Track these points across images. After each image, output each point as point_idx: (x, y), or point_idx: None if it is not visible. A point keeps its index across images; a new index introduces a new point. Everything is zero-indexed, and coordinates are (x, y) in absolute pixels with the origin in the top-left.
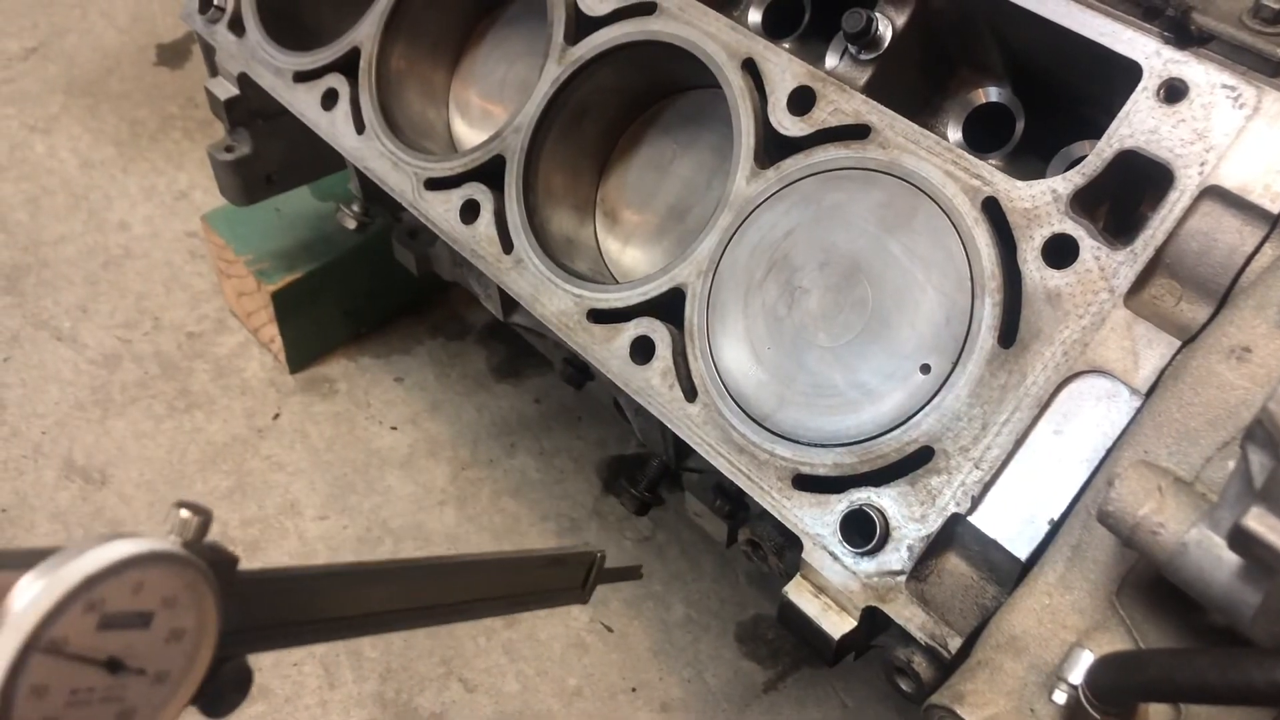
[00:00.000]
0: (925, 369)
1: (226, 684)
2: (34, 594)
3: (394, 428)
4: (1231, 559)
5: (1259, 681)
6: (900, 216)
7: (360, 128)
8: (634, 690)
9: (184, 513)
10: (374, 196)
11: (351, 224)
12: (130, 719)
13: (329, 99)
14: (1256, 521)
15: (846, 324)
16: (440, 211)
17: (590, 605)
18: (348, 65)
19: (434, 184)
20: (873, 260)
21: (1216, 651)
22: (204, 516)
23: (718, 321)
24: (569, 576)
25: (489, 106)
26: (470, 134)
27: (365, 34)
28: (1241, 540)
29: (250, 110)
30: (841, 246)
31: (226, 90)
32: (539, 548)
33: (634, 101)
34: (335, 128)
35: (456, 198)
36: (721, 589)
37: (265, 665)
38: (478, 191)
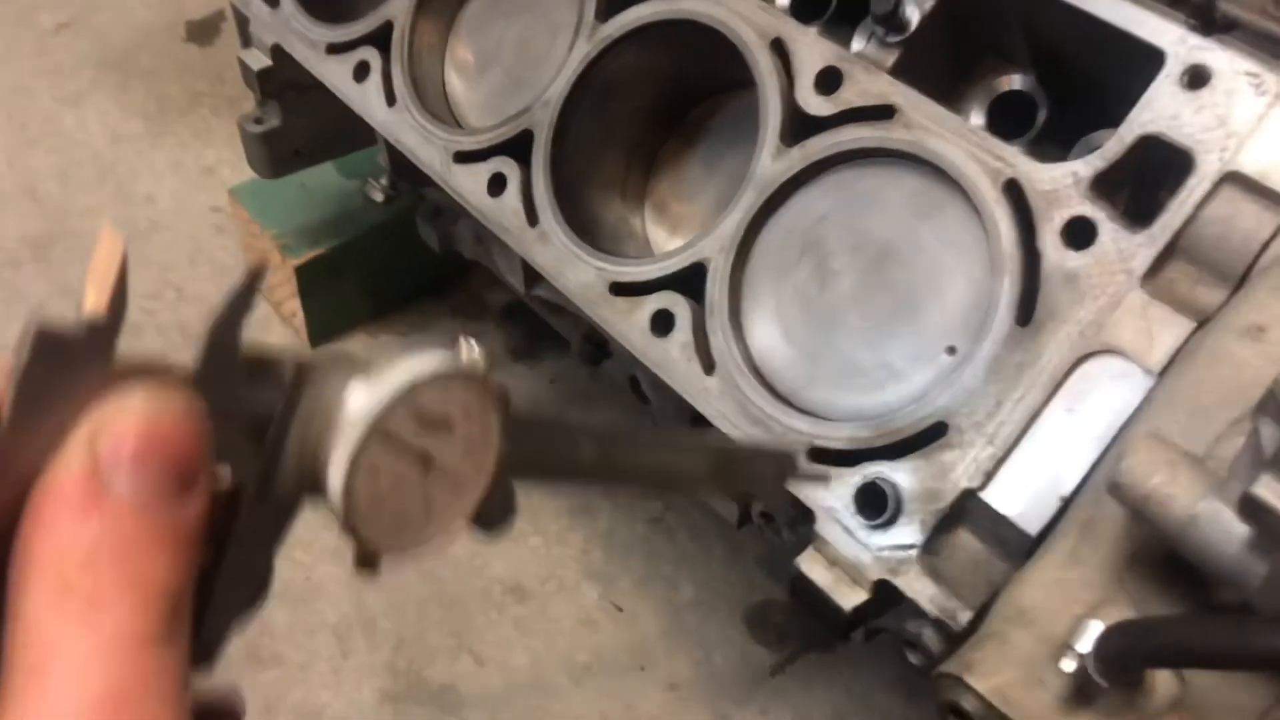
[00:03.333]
0: (951, 350)
1: (499, 504)
2: (369, 394)
3: None
4: (1241, 530)
5: (1275, 647)
6: (933, 204)
7: (391, 100)
8: (642, 669)
9: (475, 343)
10: (401, 171)
11: (379, 196)
12: (431, 514)
13: (361, 71)
14: (1266, 489)
15: (877, 306)
16: (469, 185)
17: (599, 583)
18: (380, 38)
19: (463, 157)
20: (904, 246)
21: (1227, 618)
22: (489, 351)
23: (751, 301)
24: (768, 467)
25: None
26: (466, 92)
27: (399, 7)
28: (1251, 508)
29: (282, 82)
30: (874, 232)
31: (259, 61)
32: (743, 442)
33: (668, 86)
34: (367, 100)
35: (484, 171)
36: (730, 572)
37: (279, 634)
38: (505, 165)
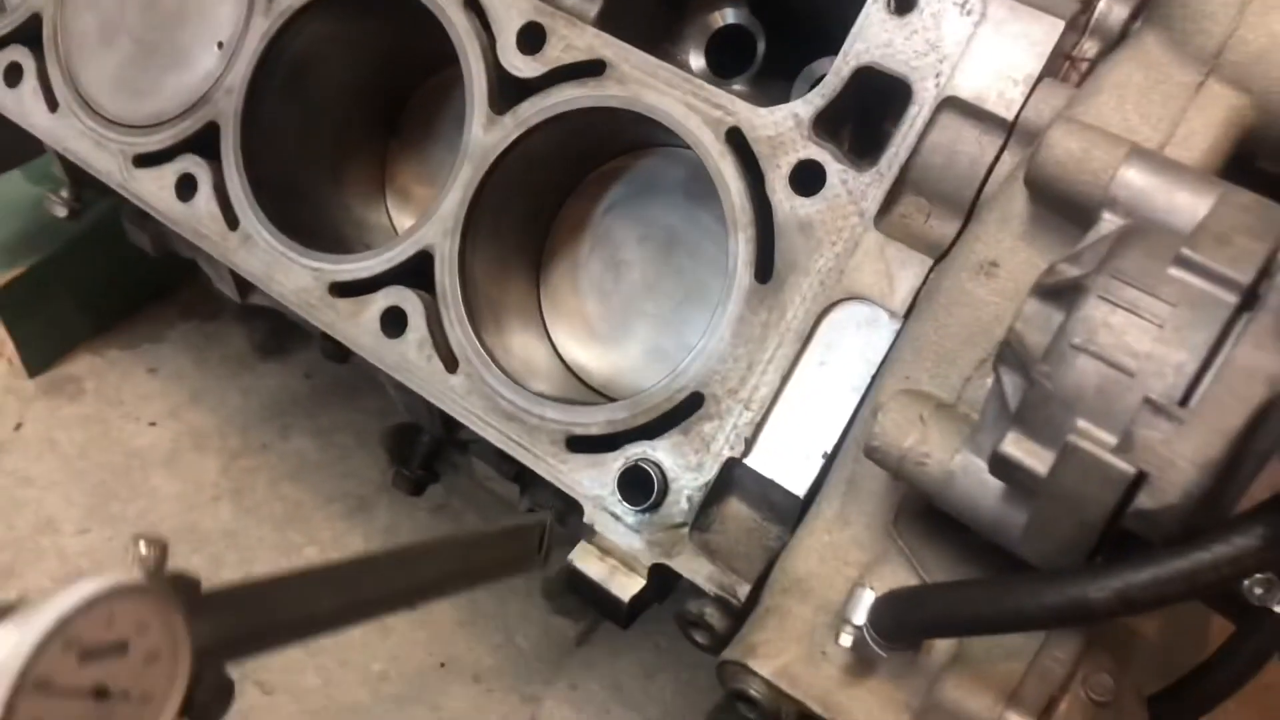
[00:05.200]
0: None
1: (209, 695)
2: (14, 641)
3: (152, 423)
4: (996, 483)
5: (1030, 608)
6: (705, 186)
7: (53, 105)
8: (443, 665)
9: (141, 545)
10: (81, 179)
11: (62, 212)
12: None
13: (12, 75)
14: (1013, 446)
15: (669, 292)
16: (153, 190)
17: None
18: (30, 35)
19: (144, 160)
20: (686, 230)
21: (988, 583)
22: (160, 545)
23: (551, 300)
24: (525, 545)
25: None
26: (91, 69)
27: None
28: (1001, 466)
29: None
30: (658, 219)
31: None
32: (492, 525)
33: (379, 60)
34: (24, 106)
35: (170, 173)
36: None
37: None
38: (193, 164)
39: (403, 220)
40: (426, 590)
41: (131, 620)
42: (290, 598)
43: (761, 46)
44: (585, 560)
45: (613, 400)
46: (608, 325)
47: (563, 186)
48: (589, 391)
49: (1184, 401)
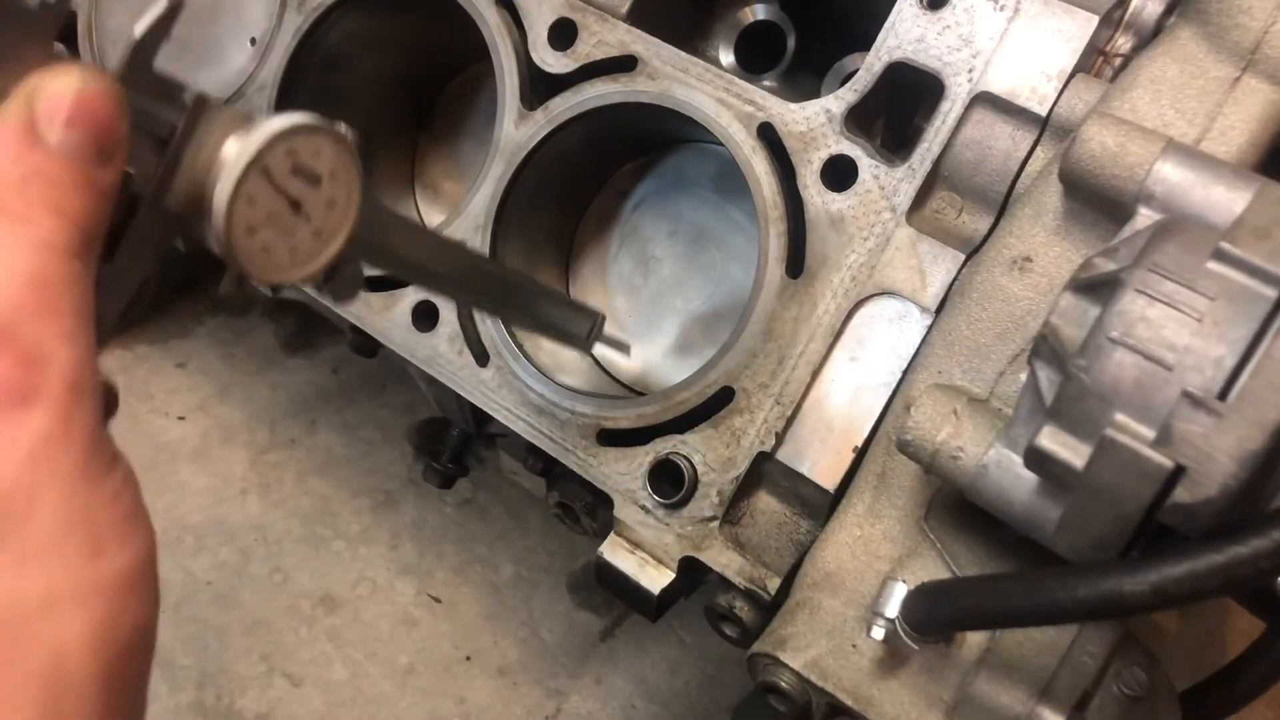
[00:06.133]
0: None
1: (346, 277)
2: (261, 129)
3: (181, 418)
4: (1030, 477)
5: (1064, 601)
6: (735, 182)
7: None
8: (469, 659)
9: (342, 126)
10: None
11: None
12: (295, 255)
13: None
14: (1049, 440)
15: (699, 288)
16: None
17: (414, 578)
18: (65, 31)
19: None
20: (716, 225)
21: (1022, 575)
22: (358, 134)
23: (580, 295)
24: (577, 321)
25: None
26: None
27: None
28: (1037, 460)
29: None
30: (687, 215)
31: None
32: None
33: (410, 56)
34: None
35: None
36: (549, 542)
37: None
38: None
39: (432, 216)
40: (496, 301)
41: (330, 164)
42: (412, 241)
43: (791, 42)
44: (615, 553)
45: (642, 395)
46: (637, 320)
47: (592, 182)
48: (618, 386)
49: (1223, 395)
